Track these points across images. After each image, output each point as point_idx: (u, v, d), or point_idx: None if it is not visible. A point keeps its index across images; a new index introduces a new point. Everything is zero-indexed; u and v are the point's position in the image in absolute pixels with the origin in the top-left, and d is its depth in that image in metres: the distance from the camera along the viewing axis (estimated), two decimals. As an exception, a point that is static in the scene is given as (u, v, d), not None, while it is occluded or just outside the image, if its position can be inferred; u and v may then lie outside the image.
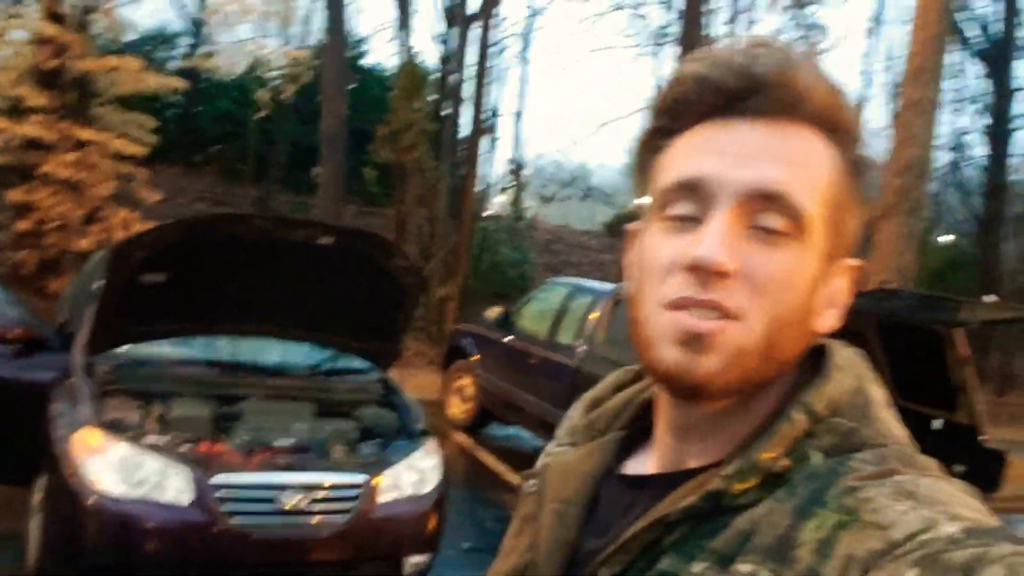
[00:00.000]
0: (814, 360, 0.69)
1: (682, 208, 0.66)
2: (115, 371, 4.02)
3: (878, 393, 0.68)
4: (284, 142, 17.71)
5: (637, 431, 0.78)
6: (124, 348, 4.16)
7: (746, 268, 0.63)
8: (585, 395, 0.86)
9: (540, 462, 0.84)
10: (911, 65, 9.22)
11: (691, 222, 0.65)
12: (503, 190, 19.93)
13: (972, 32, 18.58)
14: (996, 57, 18.06)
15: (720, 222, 0.63)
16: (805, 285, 0.65)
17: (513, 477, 6.97)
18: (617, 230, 18.53)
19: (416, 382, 9.79)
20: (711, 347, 0.63)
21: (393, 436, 4.29)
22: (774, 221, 0.63)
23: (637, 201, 0.74)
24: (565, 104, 45.29)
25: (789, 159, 0.64)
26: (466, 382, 8.33)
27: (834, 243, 0.67)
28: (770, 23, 18.15)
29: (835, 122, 0.66)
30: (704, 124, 0.66)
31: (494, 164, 20.44)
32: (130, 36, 14.76)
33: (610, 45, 40.16)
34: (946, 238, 21.37)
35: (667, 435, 0.71)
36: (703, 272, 0.62)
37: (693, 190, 0.65)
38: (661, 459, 0.72)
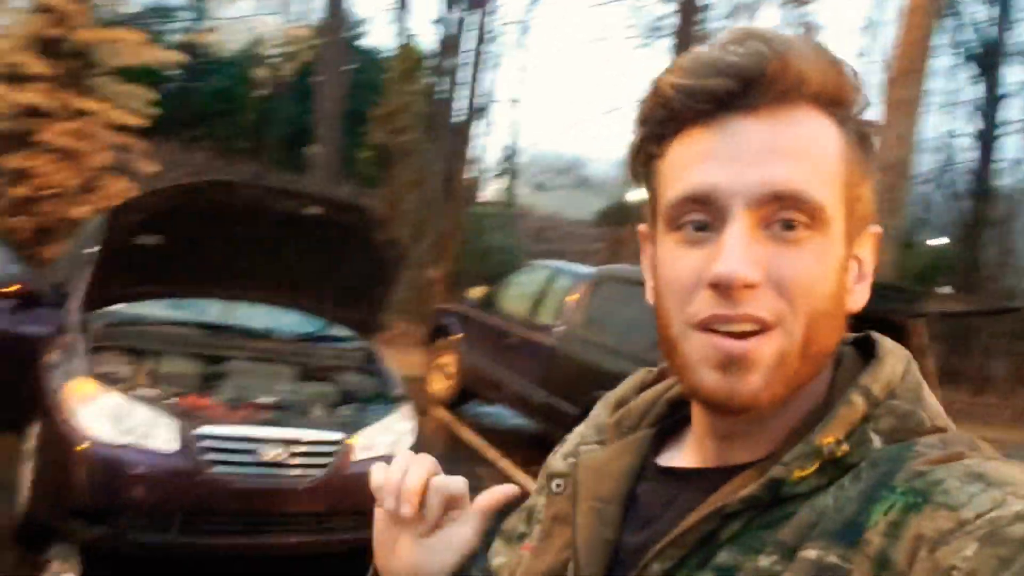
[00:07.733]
0: (859, 349, 0.70)
1: (694, 217, 0.64)
2: (108, 328, 4.21)
3: (920, 376, 0.67)
4: (280, 121, 17.85)
5: (667, 427, 0.78)
6: (117, 307, 4.35)
7: (772, 274, 0.61)
8: (608, 395, 0.85)
9: (559, 464, 0.82)
10: (896, 66, 9.44)
11: (706, 232, 0.63)
12: (496, 176, 20.12)
13: (964, 36, 18.82)
14: (987, 61, 18.29)
15: (737, 231, 0.61)
16: (834, 274, 0.63)
17: (490, 452, 7.20)
18: (609, 219, 18.71)
19: (401, 360, 10.00)
20: (752, 366, 0.61)
21: (371, 400, 4.50)
22: (793, 219, 0.61)
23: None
24: (562, 94, 45.37)
25: (796, 151, 0.62)
26: (448, 360, 8.53)
27: (853, 221, 0.65)
28: (766, 20, 18.30)
29: (836, 97, 0.64)
30: (698, 126, 0.64)
31: (488, 150, 20.62)
32: (131, 8, 14.89)
33: (608, 36, 40.17)
34: (938, 241, 21.62)
35: (708, 438, 0.70)
36: (728, 288, 0.60)
37: (704, 201, 0.63)
38: (703, 457, 0.71)
